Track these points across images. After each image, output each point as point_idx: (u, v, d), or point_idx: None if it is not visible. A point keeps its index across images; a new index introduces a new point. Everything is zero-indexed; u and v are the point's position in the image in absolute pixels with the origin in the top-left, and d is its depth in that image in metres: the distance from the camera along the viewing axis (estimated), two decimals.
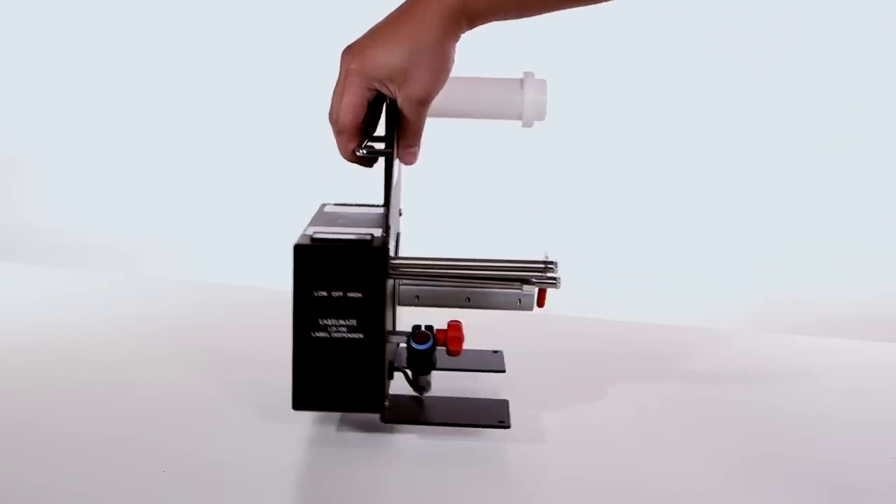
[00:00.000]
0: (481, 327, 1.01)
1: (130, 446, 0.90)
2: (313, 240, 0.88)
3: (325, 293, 0.88)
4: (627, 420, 0.99)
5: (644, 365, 1.15)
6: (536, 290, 0.93)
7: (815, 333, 1.35)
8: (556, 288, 0.91)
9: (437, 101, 0.98)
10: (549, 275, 0.92)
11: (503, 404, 0.95)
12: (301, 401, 0.90)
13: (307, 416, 0.96)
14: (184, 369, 1.10)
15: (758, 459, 0.90)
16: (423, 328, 0.92)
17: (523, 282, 0.92)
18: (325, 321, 0.88)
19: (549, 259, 0.93)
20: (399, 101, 0.90)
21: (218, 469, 0.86)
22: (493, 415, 0.94)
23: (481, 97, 0.99)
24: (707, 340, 1.25)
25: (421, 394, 0.94)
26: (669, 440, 0.94)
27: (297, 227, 0.93)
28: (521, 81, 0.99)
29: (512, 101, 0.98)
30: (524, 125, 1.00)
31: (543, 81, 0.98)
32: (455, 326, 0.93)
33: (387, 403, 0.90)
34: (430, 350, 0.91)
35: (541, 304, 0.95)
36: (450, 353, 0.93)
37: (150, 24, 2.98)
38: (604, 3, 0.93)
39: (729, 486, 0.86)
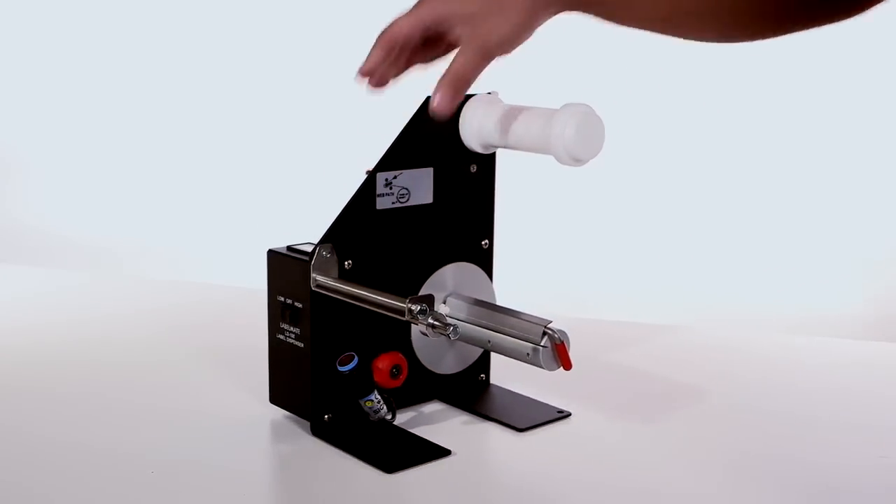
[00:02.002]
0: None
1: (119, 447, 0.91)
2: (288, 248, 0.93)
3: (282, 299, 0.92)
4: (619, 419, 0.99)
5: (635, 364, 1.15)
6: (542, 350, 0.89)
7: (804, 333, 1.44)
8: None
9: (488, 132, 0.94)
10: (541, 343, 0.89)
11: (442, 451, 0.89)
12: (273, 396, 0.96)
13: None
14: (174, 369, 1.12)
15: (747, 459, 0.90)
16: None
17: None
18: (283, 325, 0.93)
19: (551, 327, 0.89)
20: (461, 45, 0.85)
21: (208, 469, 0.88)
22: (420, 456, 0.89)
23: (519, 129, 0.92)
24: (698, 340, 1.26)
25: (372, 418, 0.93)
26: (659, 440, 0.94)
27: (293, 228, 0.97)
28: (555, 114, 0.89)
29: (543, 135, 0.90)
30: (561, 162, 0.91)
31: (577, 114, 0.88)
32: (384, 356, 0.91)
33: (327, 417, 0.92)
34: (352, 372, 0.90)
35: (565, 366, 0.89)
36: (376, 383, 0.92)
37: (142, 27, 2.88)
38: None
39: (719, 485, 0.86)
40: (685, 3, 0.85)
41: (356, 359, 0.90)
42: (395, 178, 0.92)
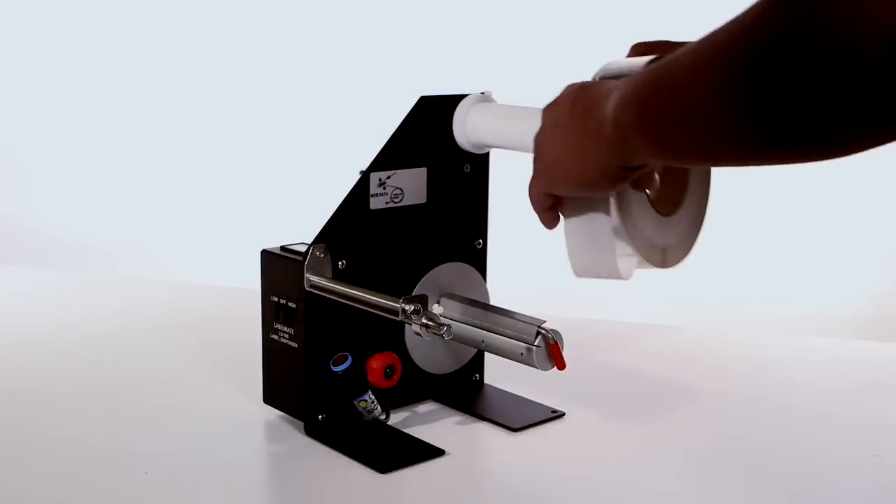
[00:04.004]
0: None
1: (113, 447, 0.91)
2: (281, 248, 0.93)
3: (276, 299, 0.92)
4: (613, 419, 1.00)
5: (629, 364, 1.15)
6: (536, 350, 0.89)
7: (802, 332, 1.42)
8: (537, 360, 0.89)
9: (481, 132, 0.94)
10: (535, 343, 0.88)
11: (436, 451, 0.89)
12: (267, 396, 0.96)
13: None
14: (168, 369, 1.12)
15: (741, 458, 0.91)
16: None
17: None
18: (277, 325, 0.93)
19: (545, 327, 0.89)
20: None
21: (202, 469, 0.87)
22: (414, 456, 0.89)
23: (513, 129, 0.92)
24: (693, 339, 1.27)
25: (366, 418, 0.93)
26: (653, 439, 0.95)
27: (286, 228, 0.97)
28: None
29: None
30: None
31: None
32: (378, 356, 0.91)
33: (321, 416, 0.92)
34: (346, 372, 0.90)
35: (559, 365, 0.89)
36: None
37: (137, 28, 2.88)
38: None
39: (713, 484, 0.86)
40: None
41: (350, 359, 0.90)
42: (388, 178, 0.92)
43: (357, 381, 0.91)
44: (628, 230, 0.78)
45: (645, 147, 0.65)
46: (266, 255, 0.93)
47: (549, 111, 0.75)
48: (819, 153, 0.56)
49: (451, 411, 0.99)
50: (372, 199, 0.92)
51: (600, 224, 0.78)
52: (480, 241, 1.01)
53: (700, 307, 2.42)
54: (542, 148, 0.75)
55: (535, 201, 0.78)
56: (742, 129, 0.56)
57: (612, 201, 0.77)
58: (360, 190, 0.91)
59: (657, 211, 0.82)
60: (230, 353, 1.15)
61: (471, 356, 1.03)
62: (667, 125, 0.62)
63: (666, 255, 0.84)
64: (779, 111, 0.53)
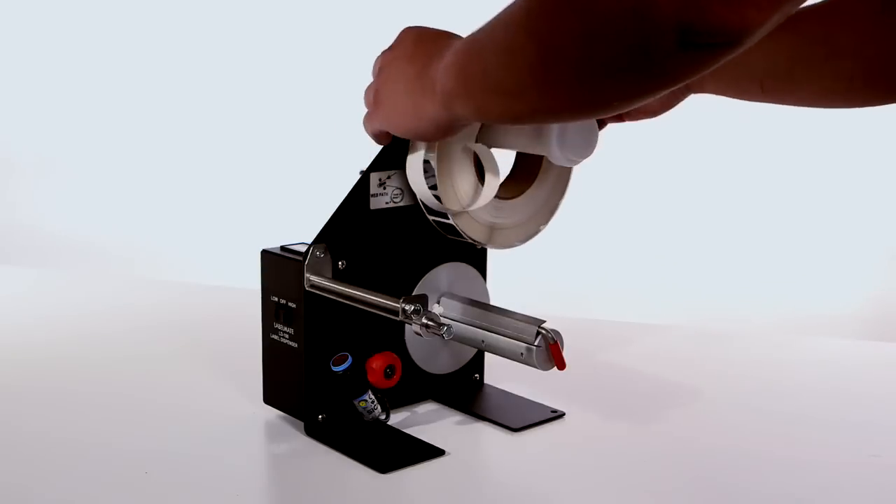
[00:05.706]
0: None
1: (113, 447, 0.91)
2: (281, 248, 0.93)
3: (276, 299, 0.92)
4: (613, 419, 1.00)
5: (629, 364, 1.15)
6: (536, 350, 0.89)
7: (802, 332, 1.49)
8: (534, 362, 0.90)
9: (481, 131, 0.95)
10: (535, 342, 0.88)
11: (436, 451, 0.90)
12: (267, 396, 0.96)
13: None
14: (167, 369, 1.12)
15: (740, 457, 0.91)
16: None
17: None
18: (277, 325, 0.93)
19: (545, 327, 0.89)
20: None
21: (202, 469, 0.88)
22: (414, 456, 0.89)
23: (513, 128, 0.92)
24: (692, 339, 1.27)
25: (366, 419, 0.93)
26: (653, 439, 0.95)
27: (286, 228, 0.97)
28: None
29: (537, 134, 0.90)
30: (555, 162, 0.91)
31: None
32: (378, 356, 0.91)
33: (321, 416, 0.92)
34: (346, 372, 0.90)
35: (559, 365, 0.89)
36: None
37: (138, 27, 2.89)
38: None
39: (712, 484, 0.86)
40: None
41: (350, 359, 0.90)
42: (388, 177, 0.92)
43: (357, 381, 0.91)
44: (446, 199, 0.89)
45: (467, 111, 0.72)
46: (266, 255, 0.93)
47: (387, 57, 0.82)
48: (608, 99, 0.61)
49: (451, 411, 0.99)
50: (372, 199, 0.92)
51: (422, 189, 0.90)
52: None
53: (700, 307, 2.42)
54: (381, 92, 0.82)
55: (371, 133, 0.87)
56: (536, 78, 0.61)
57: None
58: (360, 190, 0.91)
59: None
60: (230, 353, 1.15)
61: (471, 356, 1.03)
62: (478, 90, 0.69)
63: (493, 233, 0.93)
64: (559, 59, 0.58)
